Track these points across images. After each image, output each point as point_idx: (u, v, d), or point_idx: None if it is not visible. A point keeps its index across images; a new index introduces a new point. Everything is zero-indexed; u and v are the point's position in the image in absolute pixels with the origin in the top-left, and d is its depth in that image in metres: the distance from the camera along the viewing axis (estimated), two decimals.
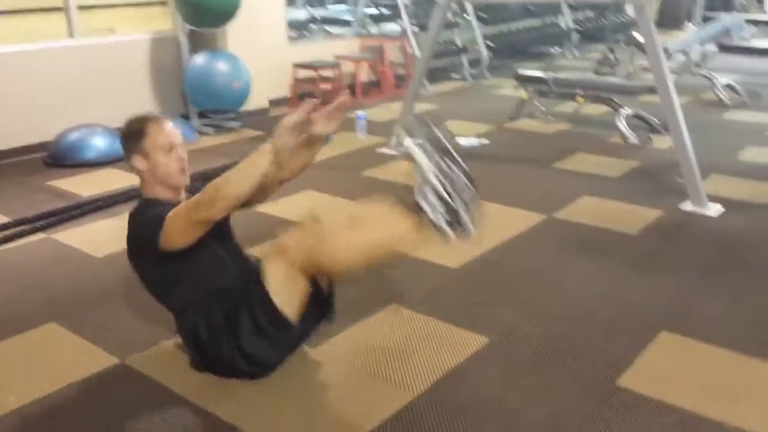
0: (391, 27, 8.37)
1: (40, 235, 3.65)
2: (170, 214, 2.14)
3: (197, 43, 5.80)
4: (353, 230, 2.15)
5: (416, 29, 7.47)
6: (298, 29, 8.64)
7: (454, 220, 2.11)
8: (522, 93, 6.15)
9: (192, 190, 2.31)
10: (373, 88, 7.41)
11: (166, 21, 5.97)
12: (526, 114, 6.21)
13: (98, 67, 5.37)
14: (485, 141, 5.44)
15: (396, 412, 2.18)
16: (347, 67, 7.04)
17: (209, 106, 5.66)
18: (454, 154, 2.15)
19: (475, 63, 8.28)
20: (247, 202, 2.46)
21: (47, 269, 3.25)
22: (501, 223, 3.79)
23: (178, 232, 2.14)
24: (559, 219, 3.86)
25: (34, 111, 5.00)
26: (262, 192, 2.46)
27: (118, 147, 4.75)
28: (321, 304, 2.41)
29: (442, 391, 2.30)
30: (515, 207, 4.01)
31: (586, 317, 2.79)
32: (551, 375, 2.40)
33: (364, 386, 2.34)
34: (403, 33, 7.55)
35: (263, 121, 6.11)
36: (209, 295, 2.32)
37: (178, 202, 2.25)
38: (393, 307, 2.86)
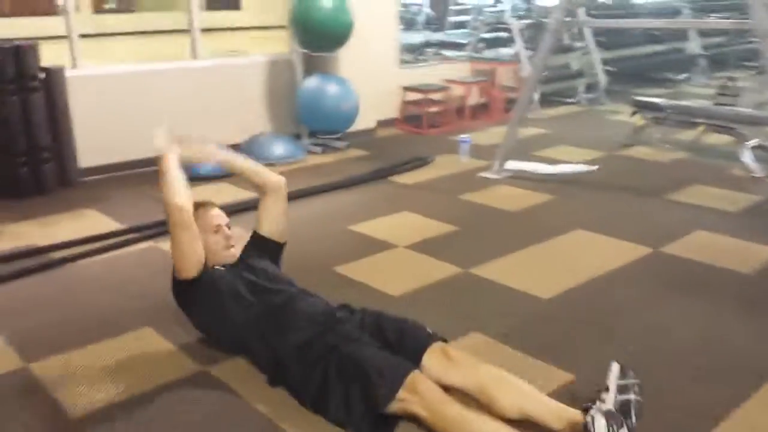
0: (506, 51, 8.29)
1: (149, 243, 3.87)
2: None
3: (311, 66, 5.99)
4: (484, 423, 2.05)
5: (530, 53, 7.36)
6: (413, 52, 8.76)
7: None
8: (637, 119, 5.89)
9: None
10: (483, 111, 7.35)
11: (284, 44, 6.21)
12: (642, 141, 5.94)
13: (218, 87, 5.66)
14: (594, 167, 5.24)
15: None
16: (457, 90, 7.04)
17: (318, 126, 5.82)
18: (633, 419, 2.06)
19: (592, 88, 8.04)
20: (278, 238, 2.89)
21: (149, 276, 3.42)
22: (602, 254, 3.63)
23: (177, 250, 2.50)
24: (667, 254, 3.64)
25: (155, 126, 5.32)
26: (270, 222, 2.86)
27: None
28: None
29: (527, 429, 2.21)
30: (620, 238, 3.83)
31: (682, 360, 2.60)
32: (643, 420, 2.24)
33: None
34: (516, 57, 7.46)
35: (369, 142, 6.20)
36: (273, 328, 2.43)
37: None
38: (473, 335, 2.79)
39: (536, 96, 7.36)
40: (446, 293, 3.20)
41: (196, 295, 2.55)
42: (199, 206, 2.63)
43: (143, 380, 2.49)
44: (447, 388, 2.21)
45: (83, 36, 5.33)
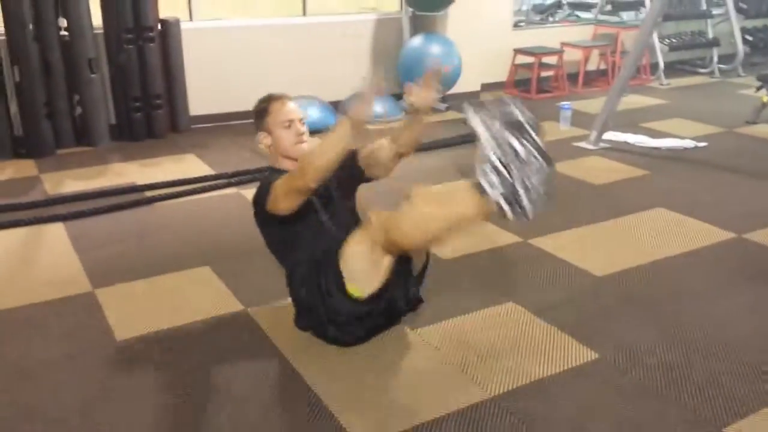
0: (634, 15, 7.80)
1: (233, 190, 4.11)
2: (276, 181, 2.31)
3: (419, 26, 5.98)
4: (421, 208, 2.13)
5: (659, 18, 6.88)
6: (543, 13, 8.45)
7: (513, 199, 1.98)
8: (763, 96, 5.40)
9: None
10: (601, 78, 7.01)
11: (394, 3, 6.24)
12: (767, 120, 5.45)
13: (325, 44, 5.80)
14: (702, 144, 4.88)
15: (462, 409, 2.14)
16: (574, 54, 6.75)
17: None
18: (528, 128, 1.99)
19: (728, 58, 7.41)
20: (371, 177, 2.67)
21: (223, 220, 3.65)
22: (678, 235, 3.42)
23: (280, 198, 2.31)
24: (751, 241, 3.37)
25: (263, 79, 5.55)
26: (380, 166, 2.62)
27: (328, 118, 5.24)
28: (417, 279, 2.46)
29: (520, 399, 2.19)
30: (703, 220, 3.58)
31: (730, 353, 2.43)
32: (651, 407, 2.15)
33: (446, 376, 2.31)
34: (657, 21, 6.99)
35: None
36: (313, 260, 2.45)
37: None
38: (507, 305, 2.76)
39: (661, 64, 6.92)
40: (496, 261, 3.17)
41: (280, 219, 2.45)
42: (271, 100, 2.55)
43: (188, 314, 2.70)
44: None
45: None
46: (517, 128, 2.00)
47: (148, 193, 4.00)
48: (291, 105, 2.55)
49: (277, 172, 2.50)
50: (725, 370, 2.34)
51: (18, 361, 2.39)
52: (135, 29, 4.85)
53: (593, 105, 5.95)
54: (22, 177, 4.32)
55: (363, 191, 2.76)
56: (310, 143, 2.55)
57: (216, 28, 5.49)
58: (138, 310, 2.74)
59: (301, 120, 2.54)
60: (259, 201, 2.43)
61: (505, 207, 2.00)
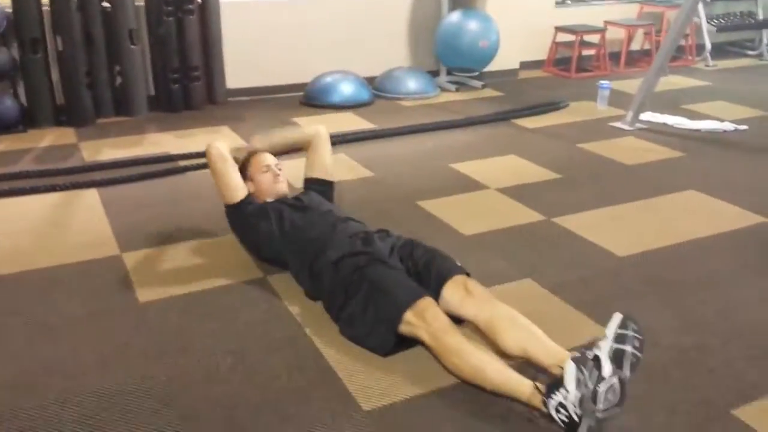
0: None
1: None
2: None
3: (458, 1, 5.92)
4: (481, 355, 2.10)
5: None
6: None
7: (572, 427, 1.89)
8: None
9: None
10: (645, 58, 6.85)
11: None
12: None
13: (362, 18, 5.79)
14: (742, 127, 4.75)
15: (450, 385, 2.15)
16: (617, 33, 6.60)
17: (454, 63, 5.78)
18: (627, 366, 1.95)
19: None
20: (325, 178, 3.15)
21: None
22: (707, 218, 3.36)
23: (220, 182, 2.87)
24: None
25: (299, 54, 5.60)
26: (315, 170, 3.13)
27: (361, 94, 5.27)
28: None
29: (532, 373, 2.18)
30: (735, 204, 3.51)
31: (746, 338, 2.39)
32: (661, 387, 2.14)
33: None
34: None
35: (508, 83, 6.06)
36: (323, 252, 2.56)
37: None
38: (525, 282, 2.76)
39: (708, 45, 6.72)
40: (517, 239, 3.16)
41: (244, 219, 2.83)
42: (251, 155, 3.00)
43: (210, 280, 2.77)
44: (460, 321, 2.31)
45: None
46: (618, 360, 1.96)
47: (182, 163, 4.10)
48: (266, 155, 3.00)
49: (251, 203, 2.88)
50: (739, 354, 2.30)
51: (44, 317, 2.50)
52: (175, 1, 4.92)
53: (634, 85, 5.79)
54: (62, 144, 4.45)
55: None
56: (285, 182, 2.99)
57: (254, 1, 5.53)
58: (162, 273, 2.83)
59: (276, 165, 2.97)
60: (227, 210, 2.91)
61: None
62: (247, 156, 3.00)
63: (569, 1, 6.82)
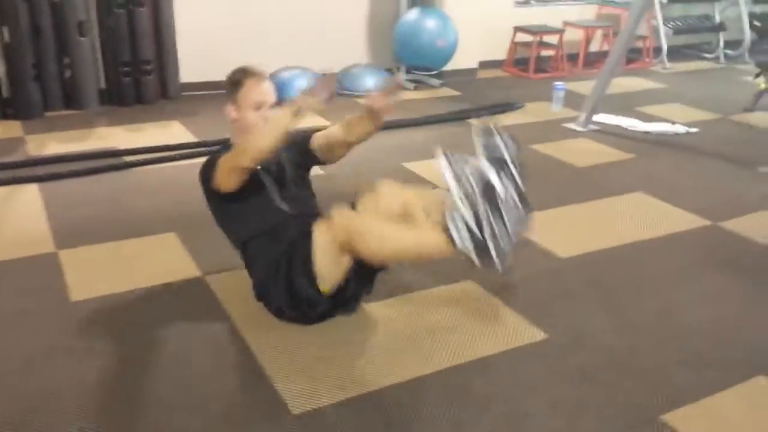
0: None
1: None
2: (221, 158, 2.31)
3: None
4: (391, 225, 2.14)
5: (665, 0, 6.77)
6: None
7: (482, 251, 1.96)
8: (760, 82, 5.30)
9: None
10: (603, 59, 6.89)
11: None
12: (764, 108, 5.35)
13: (322, 14, 5.73)
14: (693, 130, 4.81)
15: (402, 382, 2.14)
16: (576, 35, 6.65)
17: (412, 62, 5.77)
18: (511, 167, 1.99)
19: (735, 44, 7.28)
20: (323, 161, 2.69)
21: (197, 188, 3.58)
22: (652, 220, 3.39)
23: (223, 175, 2.33)
24: (724, 229, 3.33)
25: (257, 49, 5.52)
26: (330, 152, 2.66)
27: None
28: (365, 275, 2.43)
29: (461, 374, 2.19)
30: (681, 207, 3.54)
31: (680, 341, 2.41)
32: (590, 390, 2.14)
33: (393, 350, 2.31)
34: (648, 3, 6.87)
35: (467, 83, 6.06)
36: (266, 236, 2.45)
37: None
38: (467, 284, 2.75)
39: (665, 47, 6.81)
40: None
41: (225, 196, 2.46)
42: (248, 74, 2.42)
43: (147, 278, 2.71)
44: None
45: None
46: (499, 165, 2.00)
47: (127, 158, 4.01)
48: (266, 86, 2.45)
49: (230, 148, 2.43)
50: (672, 358, 2.32)
51: None
52: None
53: (588, 86, 5.85)
54: (7, 138, 4.33)
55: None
56: None
57: None
58: (97, 272, 2.76)
59: (271, 105, 2.44)
60: (206, 176, 2.43)
61: (474, 258, 1.98)
62: (242, 73, 2.43)
63: (533, 1, 6.86)
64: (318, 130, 2.69)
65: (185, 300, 2.58)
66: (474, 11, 5.96)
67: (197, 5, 5.29)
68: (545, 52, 6.61)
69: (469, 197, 1.99)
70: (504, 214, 1.98)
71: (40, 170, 3.75)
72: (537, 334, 2.42)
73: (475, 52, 6.22)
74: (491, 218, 1.97)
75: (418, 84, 5.88)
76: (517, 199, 2.00)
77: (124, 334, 2.35)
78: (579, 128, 4.82)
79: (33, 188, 3.56)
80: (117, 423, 1.94)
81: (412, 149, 4.35)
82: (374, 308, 2.54)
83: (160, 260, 2.87)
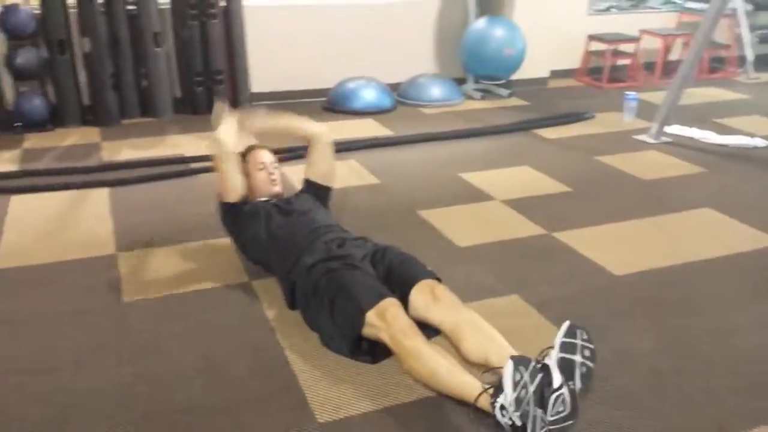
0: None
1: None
2: None
3: (485, 8, 5.86)
4: (442, 363, 2.06)
5: (750, 7, 6.45)
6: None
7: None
8: None
9: None
10: None
11: None
12: None
13: (388, 25, 5.77)
14: None
15: (434, 396, 2.10)
16: (653, 43, 6.42)
17: (479, 71, 5.72)
18: (578, 374, 1.96)
19: None
20: (326, 183, 3.08)
21: None
22: (718, 238, 3.23)
23: (222, 178, 2.87)
24: None
25: (324, 59, 5.62)
26: (316, 169, 3.08)
27: (383, 100, 5.25)
28: None
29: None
30: (748, 224, 3.36)
31: (729, 365, 2.28)
32: (627, 414, 2.05)
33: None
34: (734, 11, 6.57)
35: (536, 92, 5.96)
36: (275, 252, 2.65)
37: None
38: (511, 297, 2.70)
39: (750, 56, 6.48)
40: (511, 252, 3.09)
41: (237, 218, 2.82)
42: (251, 149, 2.98)
43: (197, 281, 2.80)
44: (426, 326, 2.28)
45: None
46: (568, 371, 1.95)
47: (194, 165, 4.16)
48: (264, 152, 2.98)
49: (247, 203, 2.87)
50: (721, 382, 2.19)
51: (28, 312, 2.56)
52: (199, 5, 5.01)
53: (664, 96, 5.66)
54: (85, 143, 4.58)
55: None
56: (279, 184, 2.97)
57: (278, 6, 5.56)
58: (151, 274, 2.87)
59: (272, 163, 2.96)
60: (219, 205, 2.91)
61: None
62: (245, 150, 2.98)
63: (613, 9, 6.65)
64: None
65: (231, 304, 2.65)
66: (545, 20, 5.86)
67: (267, 18, 5.42)
68: (621, 62, 6.42)
69: (522, 410, 1.83)
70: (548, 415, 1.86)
71: (111, 175, 3.94)
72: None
73: (546, 61, 6.11)
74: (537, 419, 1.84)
75: (485, 93, 5.82)
76: (569, 404, 1.86)
77: (168, 336, 2.43)
78: (650, 140, 4.65)
79: (103, 192, 3.74)
80: (147, 423, 2.00)
81: (470, 160, 4.30)
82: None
83: (212, 265, 2.95)
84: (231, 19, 5.17)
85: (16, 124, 4.73)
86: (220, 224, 2.93)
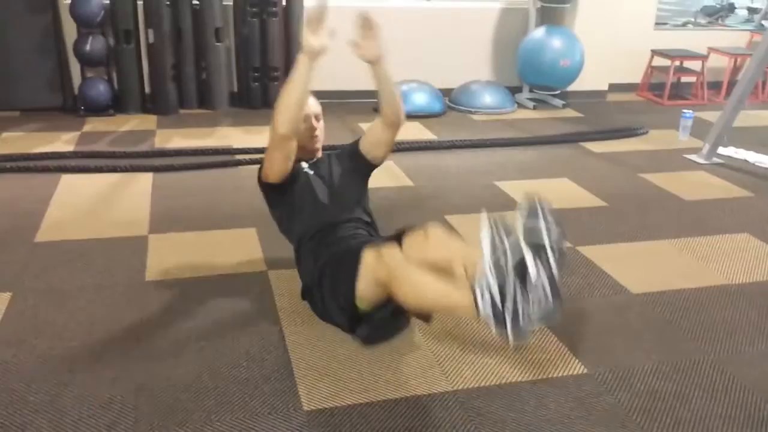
0: None
1: None
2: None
3: (546, 18, 5.80)
4: (429, 277, 2.13)
5: None
6: (712, 15, 7.84)
7: (499, 322, 1.93)
8: None
9: None
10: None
11: None
12: None
13: (446, 30, 5.80)
14: None
15: (417, 395, 2.14)
16: (720, 61, 6.20)
17: (533, 80, 5.67)
18: (549, 254, 1.94)
19: None
20: (374, 161, 2.77)
21: None
22: (747, 263, 3.11)
23: (267, 162, 2.52)
24: None
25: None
26: (378, 143, 2.72)
27: (433, 105, 5.28)
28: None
29: (481, 397, 2.15)
30: None
31: (730, 393, 2.20)
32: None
33: (417, 362, 2.31)
34: None
35: (592, 105, 5.86)
36: (313, 241, 2.57)
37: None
38: None
39: None
40: None
41: (276, 190, 2.66)
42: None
43: (218, 267, 2.91)
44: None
45: None
46: (536, 250, 1.95)
47: (238, 156, 4.30)
48: (312, 101, 2.65)
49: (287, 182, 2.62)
50: (717, 411, 2.13)
51: (58, 284, 2.72)
52: (260, 3, 5.16)
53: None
54: (141, 130, 4.80)
55: None
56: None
57: (338, 6, 5.64)
58: (176, 257, 2.99)
59: (316, 117, 2.66)
60: (258, 174, 2.62)
61: (492, 327, 1.96)
62: None
63: (689, 25, 6.46)
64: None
65: (244, 291, 2.74)
66: (607, 32, 5.77)
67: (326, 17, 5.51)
68: (685, 79, 6.24)
69: (499, 269, 1.94)
70: (530, 300, 1.92)
71: (158, 161, 4.12)
72: (576, 368, 2.32)
73: (605, 73, 6.00)
74: (517, 295, 1.92)
75: (538, 103, 5.76)
76: (548, 289, 1.92)
77: (177, 316, 2.54)
78: (700, 160, 4.51)
79: (148, 177, 3.92)
80: (141, 399, 2.10)
81: (508, 168, 4.28)
82: (414, 320, 2.55)
83: (235, 252, 3.05)
84: (291, 17, 5.31)
85: (80, 108, 5.00)
86: (251, 212, 2.98)
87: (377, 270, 2.21)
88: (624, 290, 2.86)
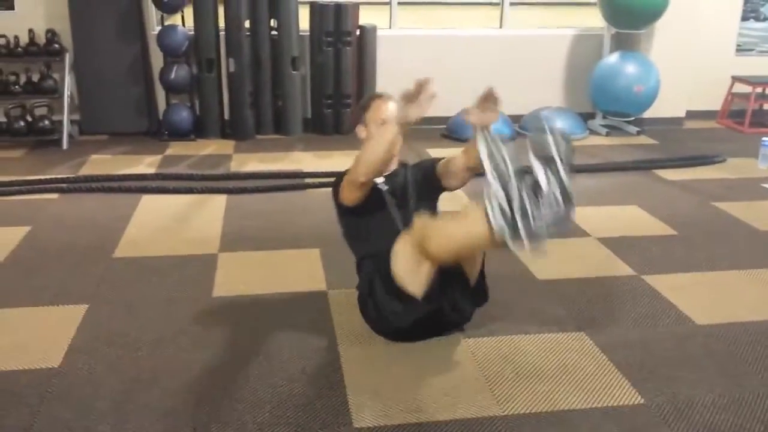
0: None
1: None
2: (346, 175, 2.52)
3: (621, 44, 5.73)
4: (449, 222, 2.28)
5: None
6: None
7: (512, 228, 2.02)
8: None
9: None
10: None
11: (598, 20, 6.04)
12: None
13: (519, 57, 5.82)
14: None
15: (468, 418, 2.15)
16: None
17: (606, 106, 5.59)
18: (558, 162, 2.03)
19: None
20: (446, 187, 2.75)
21: None
22: None
23: (344, 189, 2.56)
24: None
25: (449, 89, 5.73)
26: (453, 177, 2.69)
27: (501, 131, 5.29)
28: (471, 294, 2.52)
29: (532, 424, 2.14)
30: None
31: None
32: None
33: (470, 385, 2.32)
34: None
35: (668, 132, 5.72)
36: (380, 255, 2.60)
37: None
38: (579, 335, 2.65)
39: None
40: (591, 290, 3.02)
41: (351, 212, 2.67)
42: (374, 98, 2.73)
43: (281, 285, 3.02)
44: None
45: (403, 3, 5.99)
46: (546, 162, 2.06)
47: (307, 180, 4.43)
48: (390, 105, 2.67)
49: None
50: None
51: (132, 298, 2.89)
52: (335, 33, 5.34)
53: None
54: (219, 154, 5.02)
55: None
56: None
57: (410, 36, 5.80)
58: (243, 275, 3.12)
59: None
60: (334, 191, 2.67)
61: (507, 239, 2.05)
62: (370, 97, 2.75)
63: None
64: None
65: (304, 309, 2.82)
66: (685, 57, 5.65)
67: (398, 48, 5.65)
68: (764, 105, 6.01)
69: (500, 173, 2.07)
70: (542, 207, 2.03)
71: (232, 184, 4.31)
72: (633, 398, 2.27)
73: (682, 100, 5.85)
74: (524, 196, 2.03)
75: (612, 130, 5.67)
76: (559, 196, 2.04)
77: (240, 331, 2.65)
78: None
79: (222, 198, 4.10)
80: (199, 409, 2.20)
81: (577, 195, 4.21)
82: (469, 343, 2.57)
83: (298, 272, 3.16)
84: (364, 47, 5.46)
85: (163, 132, 5.28)
86: (316, 233, 3.07)
87: (412, 237, 2.30)
88: (688, 320, 2.78)
